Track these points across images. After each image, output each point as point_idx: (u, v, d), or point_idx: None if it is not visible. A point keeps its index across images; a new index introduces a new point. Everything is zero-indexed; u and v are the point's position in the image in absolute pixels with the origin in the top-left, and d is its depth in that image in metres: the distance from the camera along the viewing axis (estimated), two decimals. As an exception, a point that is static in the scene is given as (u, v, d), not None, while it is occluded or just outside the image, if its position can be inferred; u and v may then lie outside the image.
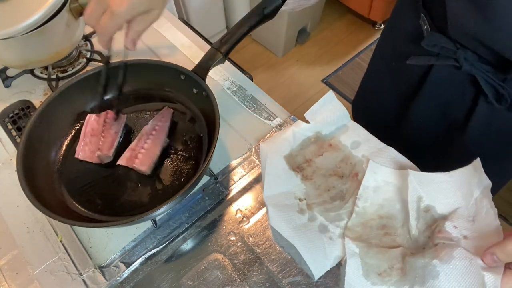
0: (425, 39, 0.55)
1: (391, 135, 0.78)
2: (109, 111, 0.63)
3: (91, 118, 0.62)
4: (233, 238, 0.58)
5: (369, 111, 0.85)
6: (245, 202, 0.61)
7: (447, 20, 0.51)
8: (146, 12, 0.48)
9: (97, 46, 0.84)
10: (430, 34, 0.55)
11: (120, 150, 0.60)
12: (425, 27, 0.57)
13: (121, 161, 0.58)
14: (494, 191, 0.73)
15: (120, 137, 0.63)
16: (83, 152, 0.60)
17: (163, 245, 0.58)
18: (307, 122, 0.59)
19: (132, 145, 0.59)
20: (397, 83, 0.71)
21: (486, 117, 0.58)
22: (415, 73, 0.64)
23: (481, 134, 0.61)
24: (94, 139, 0.60)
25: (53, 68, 0.79)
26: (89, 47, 0.83)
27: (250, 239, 0.57)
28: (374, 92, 0.82)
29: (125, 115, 0.64)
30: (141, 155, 0.58)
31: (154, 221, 0.59)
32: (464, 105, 0.60)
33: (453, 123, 0.64)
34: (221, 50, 0.61)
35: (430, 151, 0.73)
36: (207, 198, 0.62)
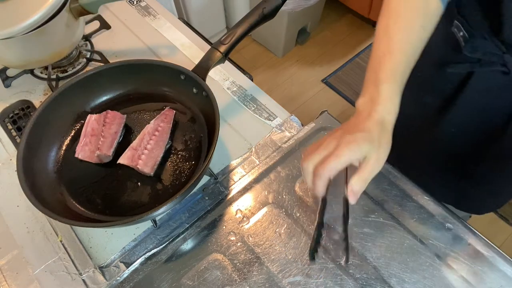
0: (467, 45, 0.54)
1: (412, 146, 0.76)
2: (108, 110, 0.63)
3: (91, 118, 0.62)
4: (233, 238, 0.58)
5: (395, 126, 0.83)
6: (245, 202, 0.61)
7: (494, 24, 0.50)
8: (367, 158, 0.45)
9: (97, 46, 0.84)
10: (472, 40, 0.54)
11: (119, 149, 0.60)
12: (461, 33, 0.55)
13: (122, 160, 0.58)
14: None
15: (120, 136, 0.63)
16: (83, 152, 0.60)
17: (163, 245, 0.58)
18: (306, 122, 0.59)
19: (133, 144, 0.59)
20: (423, 95, 0.69)
21: None
22: (449, 82, 0.62)
23: None
24: (94, 139, 0.60)
25: (53, 68, 0.79)
26: (89, 47, 0.83)
27: (250, 239, 0.57)
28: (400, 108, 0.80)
29: (125, 115, 0.64)
30: (144, 156, 0.58)
31: (154, 221, 0.58)
32: (505, 109, 0.58)
33: (490, 129, 0.63)
34: (221, 50, 0.61)
35: (462, 160, 0.71)
36: (207, 198, 0.62)
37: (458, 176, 0.65)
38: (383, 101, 0.46)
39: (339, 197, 0.53)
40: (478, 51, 0.53)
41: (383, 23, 0.50)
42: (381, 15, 0.51)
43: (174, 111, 0.64)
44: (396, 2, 0.49)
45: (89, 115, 0.62)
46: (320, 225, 0.51)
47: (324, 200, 0.52)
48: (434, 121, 0.69)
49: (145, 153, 0.58)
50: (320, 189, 0.47)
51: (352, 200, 0.46)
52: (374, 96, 0.47)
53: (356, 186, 0.44)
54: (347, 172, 0.48)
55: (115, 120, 0.62)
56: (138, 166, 0.57)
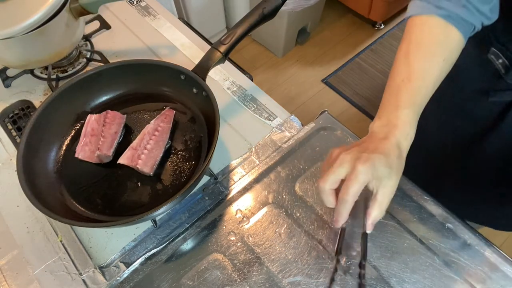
0: (510, 73, 0.53)
1: (448, 174, 0.76)
2: (108, 110, 0.63)
3: (91, 118, 0.62)
4: (233, 238, 0.58)
5: (423, 152, 0.82)
6: (245, 202, 0.61)
7: None
8: (382, 179, 0.44)
9: (97, 46, 0.84)
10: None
11: (119, 149, 0.60)
12: (500, 61, 0.55)
13: (122, 160, 0.58)
14: None
15: (120, 137, 0.63)
16: (83, 152, 0.60)
17: (163, 245, 0.58)
18: (306, 122, 0.59)
19: (133, 144, 0.59)
20: (460, 122, 0.69)
21: None
22: (490, 110, 0.61)
23: None
24: (94, 139, 0.60)
25: (53, 68, 0.79)
26: (89, 47, 0.83)
27: (250, 239, 0.57)
28: (430, 134, 0.78)
29: (125, 115, 0.64)
30: (144, 156, 0.58)
31: (154, 221, 0.59)
32: None
33: None
34: (221, 50, 0.61)
35: (495, 187, 0.71)
36: (207, 198, 0.62)
37: (488, 200, 0.65)
38: (402, 126, 0.46)
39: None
40: None
41: (404, 48, 0.49)
42: (403, 39, 0.50)
43: (174, 112, 0.64)
44: (419, 31, 0.49)
45: (89, 115, 0.62)
46: (339, 254, 0.52)
47: (343, 229, 0.52)
48: (469, 148, 0.68)
49: (144, 153, 0.58)
50: (345, 216, 0.47)
51: (370, 229, 0.46)
52: (392, 120, 0.46)
53: (376, 214, 0.45)
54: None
55: (115, 120, 0.62)
56: (137, 166, 0.57)
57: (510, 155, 0.65)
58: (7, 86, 0.78)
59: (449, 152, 0.74)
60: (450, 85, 0.67)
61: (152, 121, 0.61)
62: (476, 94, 0.60)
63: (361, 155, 0.44)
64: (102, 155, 0.59)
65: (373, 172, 0.43)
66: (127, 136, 0.64)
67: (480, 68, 0.59)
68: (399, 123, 0.46)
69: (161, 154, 0.59)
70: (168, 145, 0.61)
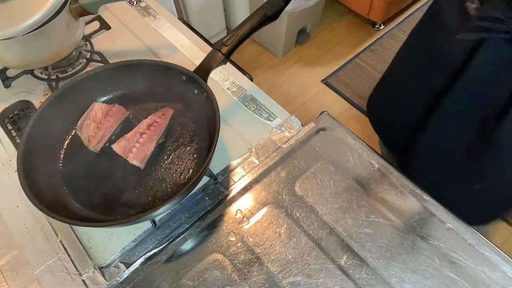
0: (477, 13, 0.54)
1: (415, 132, 0.76)
2: (115, 104, 0.63)
3: (95, 106, 0.63)
4: (233, 238, 0.58)
5: (391, 107, 0.83)
6: (245, 203, 0.61)
7: None
8: None
9: (97, 47, 0.84)
10: (482, 8, 0.54)
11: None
12: (474, 5, 0.56)
13: (115, 147, 0.59)
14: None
15: (115, 131, 0.63)
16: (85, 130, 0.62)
17: (163, 246, 0.58)
18: (306, 122, 0.59)
19: (127, 135, 0.60)
20: (429, 76, 0.69)
21: None
22: (456, 58, 0.62)
23: None
24: (93, 124, 0.62)
25: (53, 69, 0.79)
26: (89, 47, 0.83)
27: (250, 239, 0.57)
28: (398, 87, 0.80)
29: (128, 112, 0.65)
30: (136, 149, 0.59)
31: (154, 222, 0.59)
32: (507, 90, 0.58)
33: (489, 116, 0.62)
34: (223, 51, 0.61)
35: (459, 152, 0.71)
36: (207, 198, 0.62)
37: (451, 176, 0.64)
38: None
39: None
40: (487, 20, 0.53)
41: None
42: None
43: (172, 111, 0.64)
44: None
45: (93, 103, 0.64)
46: None
47: None
48: (439, 103, 0.68)
49: (136, 146, 0.59)
50: None
51: None
52: None
53: None
54: None
55: (117, 114, 0.63)
56: (128, 158, 0.58)
57: (472, 112, 0.65)
58: (7, 86, 0.78)
59: (418, 107, 0.74)
60: (427, 27, 0.69)
61: (149, 117, 0.62)
62: (448, 36, 0.60)
63: None
64: (91, 147, 0.61)
65: None
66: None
67: (457, 15, 0.60)
68: None
69: (152, 149, 0.60)
70: (161, 141, 0.62)
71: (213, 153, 0.52)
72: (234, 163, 0.65)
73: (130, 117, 0.66)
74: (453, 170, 0.65)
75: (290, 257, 0.55)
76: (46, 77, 0.77)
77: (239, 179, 0.63)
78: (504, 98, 0.59)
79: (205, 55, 0.62)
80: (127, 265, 0.56)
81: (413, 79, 0.74)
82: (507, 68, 0.57)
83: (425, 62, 0.70)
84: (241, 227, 0.59)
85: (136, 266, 0.56)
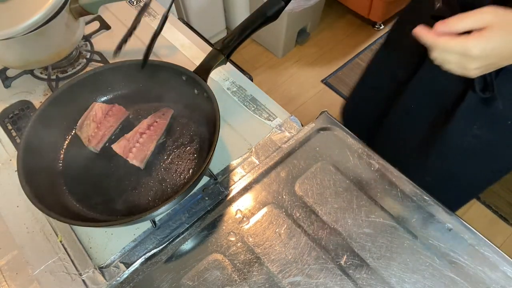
0: (434, 11, 0.55)
1: (380, 122, 0.81)
2: (115, 104, 0.63)
3: (95, 105, 0.63)
4: (233, 238, 0.58)
5: (359, 94, 0.89)
6: (245, 203, 0.61)
7: None
8: None
9: (97, 47, 0.84)
10: (438, 8, 0.54)
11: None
12: (438, 5, 0.56)
13: (115, 147, 0.59)
14: (478, 189, 0.73)
15: (115, 131, 0.63)
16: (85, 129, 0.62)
17: (163, 246, 0.58)
18: (306, 122, 0.59)
19: (127, 135, 0.60)
20: (396, 70, 0.72)
21: (472, 110, 0.59)
22: (416, 56, 0.64)
23: (465, 126, 0.62)
24: (93, 124, 0.62)
25: (53, 69, 0.79)
26: (89, 47, 0.83)
27: (250, 239, 0.57)
28: (371, 84, 0.85)
29: (128, 112, 0.65)
30: (135, 149, 0.59)
31: (153, 222, 0.59)
32: (456, 93, 0.60)
33: (442, 112, 0.65)
34: (223, 51, 0.61)
35: (414, 142, 0.74)
36: (207, 198, 0.62)
37: (407, 162, 0.67)
38: None
39: None
40: (437, 20, 0.53)
41: None
42: None
43: (172, 111, 0.64)
44: None
45: (93, 103, 0.64)
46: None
47: None
48: (400, 95, 0.71)
49: (136, 146, 0.59)
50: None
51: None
52: None
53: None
54: None
55: (117, 114, 0.63)
56: (128, 158, 0.58)
57: (428, 107, 0.67)
58: (7, 86, 0.78)
59: (385, 99, 0.77)
60: (399, 35, 0.72)
61: (149, 117, 0.62)
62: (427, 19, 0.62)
63: None
64: (91, 148, 0.61)
65: None
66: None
67: (425, 16, 0.61)
68: None
69: (152, 149, 0.60)
70: (161, 141, 0.62)
71: (213, 153, 0.52)
72: (234, 163, 0.65)
73: (130, 117, 0.66)
74: (407, 161, 0.67)
75: (290, 257, 0.55)
76: (46, 77, 0.77)
77: (239, 179, 0.63)
78: (453, 98, 0.61)
79: (205, 55, 0.62)
80: (127, 265, 0.56)
81: (380, 70, 0.78)
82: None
83: (394, 57, 0.74)
84: (241, 227, 0.59)
85: (136, 266, 0.56)
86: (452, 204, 0.62)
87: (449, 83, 0.61)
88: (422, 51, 0.62)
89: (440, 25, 0.44)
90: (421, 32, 0.46)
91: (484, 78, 0.54)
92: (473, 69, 0.45)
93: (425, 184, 0.61)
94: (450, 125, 0.64)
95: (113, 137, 0.64)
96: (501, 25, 0.42)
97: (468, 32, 0.43)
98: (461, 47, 0.43)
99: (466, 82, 0.57)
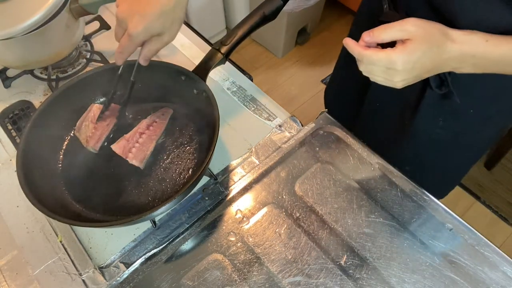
0: (381, 16, 0.55)
1: (354, 116, 0.82)
2: (111, 104, 0.63)
3: (93, 107, 0.63)
4: (233, 238, 0.58)
5: (339, 98, 0.90)
6: (245, 203, 0.61)
7: None
8: (160, 34, 0.52)
9: (97, 47, 0.84)
10: (386, 12, 0.56)
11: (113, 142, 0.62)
12: (385, 6, 0.57)
13: (114, 147, 0.59)
14: (459, 175, 0.76)
15: (112, 130, 0.63)
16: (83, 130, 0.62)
17: (163, 246, 0.58)
18: (306, 122, 0.59)
19: (127, 135, 0.60)
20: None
21: (433, 105, 0.60)
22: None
23: (431, 119, 0.63)
24: (91, 125, 0.62)
25: (53, 69, 0.79)
26: (89, 47, 0.83)
27: (250, 239, 0.57)
28: (343, 80, 0.86)
29: (119, 107, 0.65)
30: (135, 149, 0.59)
31: (153, 222, 0.58)
32: (416, 90, 0.61)
33: (406, 107, 0.66)
34: (222, 51, 0.61)
35: (389, 133, 0.74)
36: (207, 198, 0.62)
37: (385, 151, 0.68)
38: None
39: None
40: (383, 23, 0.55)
41: None
42: None
43: (172, 111, 0.64)
44: None
45: (92, 104, 0.64)
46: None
47: None
48: (365, 94, 0.72)
49: (136, 146, 0.59)
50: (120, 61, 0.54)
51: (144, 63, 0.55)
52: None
53: (147, 53, 0.54)
54: None
55: (113, 113, 0.63)
56: (127, 158, 0.58)
57: (392, 103, 0.68)
58: (7, 86, 0.78)
59: (354, 98, 0.79)
60: (357, 30, 0.72)
61: (148, 117, 0.62)
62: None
63: None
64: (90, 148, 0.61)
65: (146, 34, 0.51)
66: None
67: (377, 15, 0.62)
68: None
69: (152, 149, 0.60)
70: (160, 141, 0.62)
71: (212, 152, 0.52)
72: (234, 163, 0.65)
73: (130, 116, 0.66)
74: (387, 151, 0.68)
75: (290, 257, 0.55)
76: (46, 77, 0.77)
77: (239, 179, 0.63)
78: (413, 95, 0.62)
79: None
80: (127, 265, 0.56)
81: (348, 63, 0.77)
82: None
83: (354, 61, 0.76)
84: (241, 227, 0.59)
85: (136, 266, 0.56)
86: (436, 192, 0.62)
87: None
88: None
89: (366, 35, 0.45)
90: (349, 44, 0.48)
91: (438, 75, 0.55)
92: (398, 82, 0.46)
93: (406, 173, 0.62)
94: (416, 120, 0.65)
95: (111, 135, 0.63)
96: (424, 38, 0.43)
97: (394, 44, 0.44)
98: (386, 60, 0.44)
99: (423, 80, 0.57)
